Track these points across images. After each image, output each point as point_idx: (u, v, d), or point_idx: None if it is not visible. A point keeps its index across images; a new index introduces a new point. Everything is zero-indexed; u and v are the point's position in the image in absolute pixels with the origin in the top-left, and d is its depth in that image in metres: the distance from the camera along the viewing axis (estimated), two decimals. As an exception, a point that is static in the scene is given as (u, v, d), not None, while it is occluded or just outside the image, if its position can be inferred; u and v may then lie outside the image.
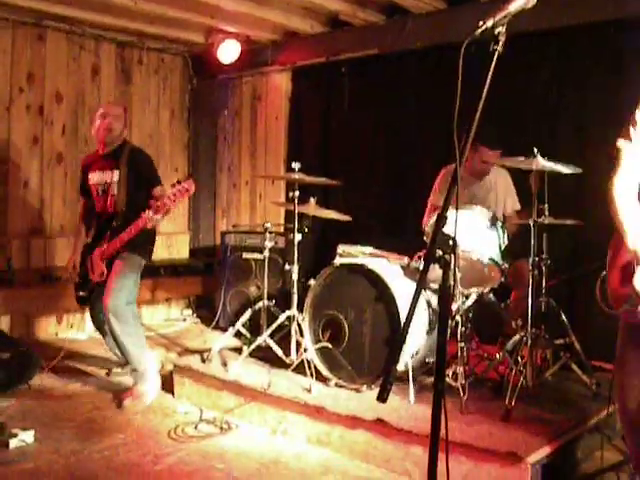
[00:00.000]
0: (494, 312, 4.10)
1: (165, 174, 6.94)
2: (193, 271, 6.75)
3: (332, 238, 4.90)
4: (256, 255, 5.19)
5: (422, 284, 1.87)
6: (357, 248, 4.13)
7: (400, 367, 3.49)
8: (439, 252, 1.85)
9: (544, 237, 3.73)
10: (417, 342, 3.69)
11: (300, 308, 4.02)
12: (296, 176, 4.13)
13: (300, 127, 6.48)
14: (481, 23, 1.86)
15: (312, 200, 4.27)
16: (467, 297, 3.77)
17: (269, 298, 4.42)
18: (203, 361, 4.21)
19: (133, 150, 4.28)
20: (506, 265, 3.76)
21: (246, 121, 7.01)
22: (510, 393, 3.24)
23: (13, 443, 3.32)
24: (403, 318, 3.48)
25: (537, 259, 3.62)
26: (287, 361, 4.02)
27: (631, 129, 2.39)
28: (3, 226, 5.81)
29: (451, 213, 1.82)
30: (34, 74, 5.94)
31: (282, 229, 5.71)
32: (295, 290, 4.16)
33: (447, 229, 1.88)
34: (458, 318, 3.58)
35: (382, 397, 1.78)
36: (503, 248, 3.79)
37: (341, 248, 4.15)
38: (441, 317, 1.93)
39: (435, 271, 2.01)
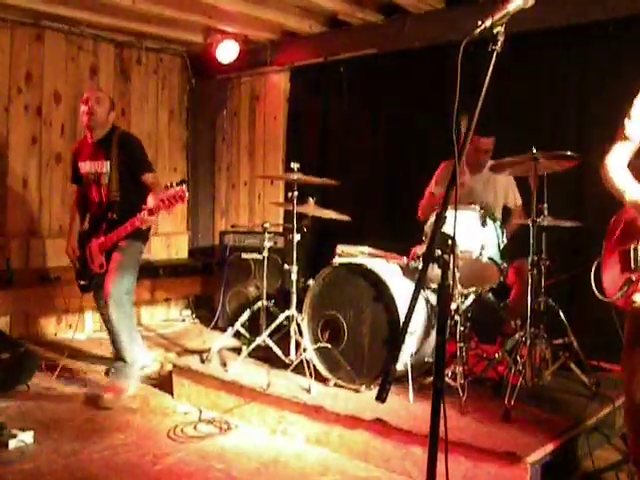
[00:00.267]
0: (493, 312, 4.10)
1: (164, 174, 6.97)
2: (192, 271, 6.75)
3: (331, 238, 4.90)
4: (255, 255, 5.19)
5: (421, 284, 1.87)
6: (356, 248, 4.14)
7: (399, 367, 3.48)
8: (438, 252, 1.85)
9: (543, 236, 3.73)
10: (416, 342, 3.69)
11: (299, 308, 4.02)
12: (295, 176, 4.13)
13: (299, 127, 6.49)
14: (480, 23, 1.86)
15: (311, 200, 4.27)
16: (466, 297, 3.77)
17: (268, 298, 4.42)
18: (202, 361, 4.20)
19: (122, 136, 4.23)
20: (505, 265, 3.76)
21: (245, 121, 7.02)
22: (509, 393, 3.24)
23: (12, 443, 3.32)
24: (402, 318, 3.47)
25: (536, 258, 3.62)
26: (286, 361, 4.02)
27: (633, 110, 2.50)
28: (2, 226, 5.81)
29: (449, 213, 1.82)
30: (32, 74, 5.94)
31: (281, 229, 5.71)
32: (294, 290, 4.15)
33: (446, 229, 1.88)
34: (457, 318, 3.58)
35: (381, 397, 1.78)
36: (502, 247, 3.79)
37: (340, 248, 4.16)
38: (440, 317, 1.93)
39: (434, 270, 2.01)
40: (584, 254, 4.30)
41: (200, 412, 3.92)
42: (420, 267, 1.91)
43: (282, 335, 4.20)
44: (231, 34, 6.26)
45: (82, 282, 4.32)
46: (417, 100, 5.43)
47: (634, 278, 2.41)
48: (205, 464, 3.25)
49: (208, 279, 6.59)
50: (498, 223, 3.81)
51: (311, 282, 3.96)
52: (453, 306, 3.56)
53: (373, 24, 5.67)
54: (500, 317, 4.16)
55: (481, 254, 3.62)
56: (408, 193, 5.22)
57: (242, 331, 4.44)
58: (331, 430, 3.43)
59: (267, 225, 4.51)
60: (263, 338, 4.07)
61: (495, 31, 1.86)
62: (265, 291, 4.45)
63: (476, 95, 1.85)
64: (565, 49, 4.69)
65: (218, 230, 6.80)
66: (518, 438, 2.98)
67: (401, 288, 3.65)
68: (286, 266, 4.26)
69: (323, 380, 3.82)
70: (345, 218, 4.32)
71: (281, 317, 4.11)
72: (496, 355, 3.72)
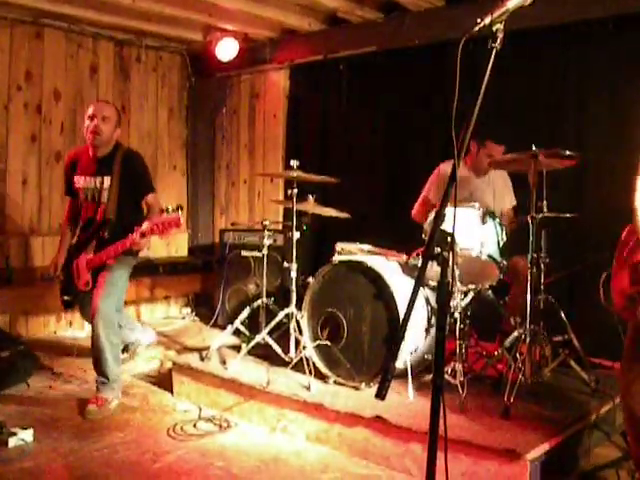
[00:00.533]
0: (492, 309, 4.10)
1: (163, 172, 6.97)
2: (192, 269, 6.75)
3: (331, 236, 4.91)
4: (255, 253, 5.19)
5: (420, 281, 1.87)
6: (356, 245, 4.14)
7: (399, 364, 3.49)
8: (437, 249, 1.85)
9: (542, 234, 3.73)
10: (416, 339, 3.70)
11: (299, 306, 4.02)
12: (294, 174, 4.13)
13: (298, 125, 6.48)
14: (479, 20, 1.86)
15: (310, 198, 4.27)
16: (465, 294, 3.77)
17: (268, 296, 4.43)
18: (202, 359, 4.21)
19: (127, 155, 4.09)
20: (504, 262, 3.76)
21: (244, 119, 7.01)
22: (509, 390, 3.24)
23: (12, 442, 3.32)
24: (402, 315, 3.47)
25: (535, 256, 3.62)
26: (286, 359, 4.02)
27: None
28: (1, 224, 5.81)
29: (449, 210, 1.83)
30: (32, 72, 5.93)
31: (281, 227, 5.71)
32: (294, 288, 4.15)
33: (445, 226, 1.88)
34: (456, 315, 3.58)
35: (381, 394, 1.78)
36: (501, 245, 3.79)
37: (340, 246, 4.16)
38: (439, 314, 1.93)
39: (433, 268, 2.01)
40: (583, 252, 4.31)
41: (200, 410, 3.92)
42: (419, 265, 1.91)
43: (282, 333, 4.20)
44: (231, 32, 6.25)
45: (66, 298, 4.17)
46: (417, 98, 5.43)
47: None
48: (205, 462, 3.25)
49: (208, 277, 6.60)
50: (497, 220, 3.80)
51: (311, 280, 3.96)
52: (452, 303, 3.56)
53: (373, 22, 5.66)
54: (499, 314, 4.16)
55: (480, 252, 3.62)
56: (408, 191, 5.22)
57: (242, 329, 4.44)
58: (331, 428, 3.43)
59: (267, 223, 4.51)
60: (263, 336, 4.07)
61: (494, 29, 1.86)
62: (265, 289, 4.45)
63: (475, 93, 1.85)
64: (565, 47, 4.68)
65: (218, 228, 6.81)
66: (518, 435, 2.99)
67: (401, 286, 3.65)
68: (286, 264, 4.26)
69: (323, 378, 3.82)
70: (345, 215, 4.32)
71: (281, 315, 4.11)
72: (496, 352, 3.72)
